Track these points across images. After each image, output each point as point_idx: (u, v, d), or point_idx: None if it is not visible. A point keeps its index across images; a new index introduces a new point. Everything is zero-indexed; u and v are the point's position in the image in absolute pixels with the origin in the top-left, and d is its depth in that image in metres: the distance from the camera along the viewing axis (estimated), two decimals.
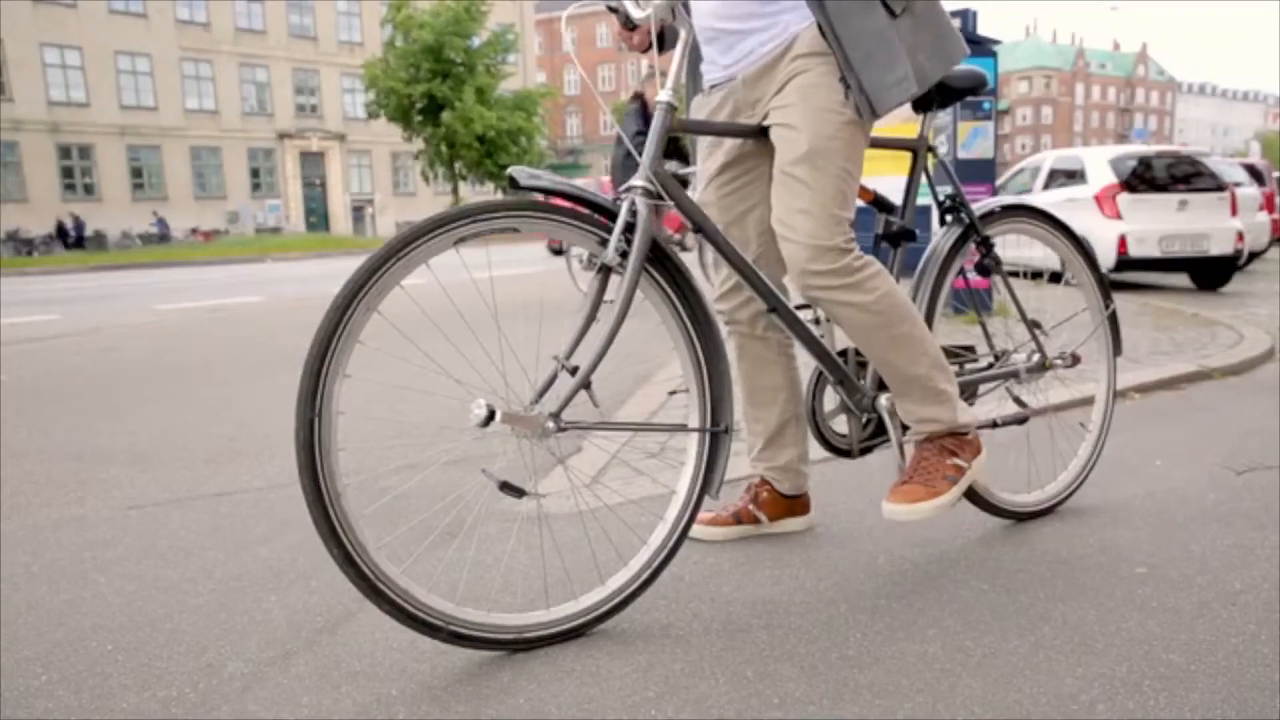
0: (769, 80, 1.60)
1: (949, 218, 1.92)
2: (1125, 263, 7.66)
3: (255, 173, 33.54)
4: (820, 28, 1.52)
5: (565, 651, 1.45)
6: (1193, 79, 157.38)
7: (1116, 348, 2.21)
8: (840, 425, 1.83)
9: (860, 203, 1.75)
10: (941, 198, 1.91)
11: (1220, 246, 7.70)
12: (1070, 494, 2.09)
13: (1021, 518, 2.00)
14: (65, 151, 29.27)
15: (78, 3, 28.94)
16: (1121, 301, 6.18)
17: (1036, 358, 2.02)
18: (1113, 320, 2.19)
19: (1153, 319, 5.17)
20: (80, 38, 29.03)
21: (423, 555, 1.76)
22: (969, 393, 1.92)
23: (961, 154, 5.37)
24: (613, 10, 1.60)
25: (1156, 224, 7.65)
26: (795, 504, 1.96)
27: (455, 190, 28.29)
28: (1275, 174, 10.94)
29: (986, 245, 1.92)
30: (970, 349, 1.99)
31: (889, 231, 1.81)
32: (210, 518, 2.17)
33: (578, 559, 1.78)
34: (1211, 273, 7.99)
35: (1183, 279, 8.31)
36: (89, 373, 4.47)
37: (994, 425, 1.94)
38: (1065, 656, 1.39)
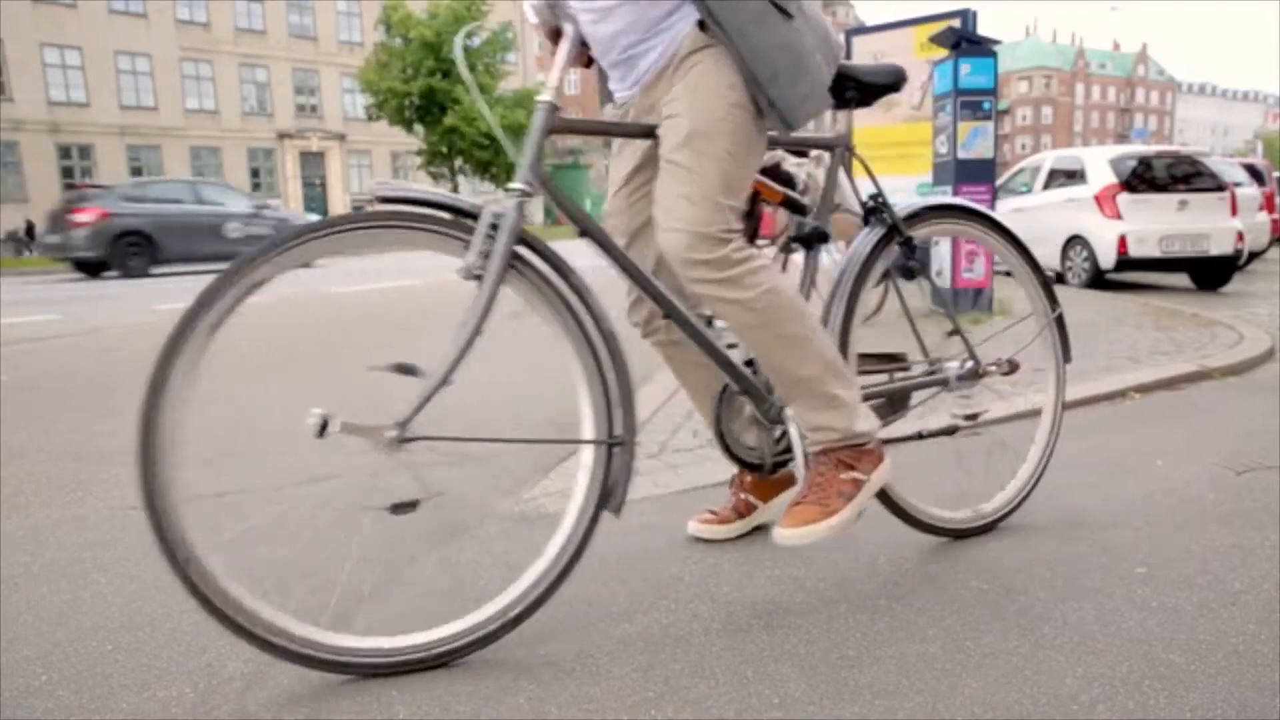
0: (664, 85, 1.55)
1: (872, 219, 1.82)
2: (1125, 263, 7.68)
3: (255, 173, 33.56)
4: (702, 24, 1.46)
5: (565, 651, 1.45)
6: (1193, 79, 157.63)
7: (1065, 354, 2.07)
8: (751, 438, 1.74)
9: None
10: (865, 198, 1.82)
11: (1220, 246, 7.71)
12: (1011, 511, 1.99)
13: (957, 535, 1.90)
14: (65, 151, 29.30)
15: (78, 3, 28.96)
16: (1121, 301, 6.22)
17: (969, 365, 1.91)
18: (1060, 324, 2.05)
19: (1153, 319, 5.17)
20: (80, 38, 29.05)
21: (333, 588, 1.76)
22: (899, 402, 1.84)
23: (961, 154, 5.38)
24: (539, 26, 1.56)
25: (1156, 224, 7.66)
26: (781, 481, 1.94)
27: (455, 190, 28.31)
28: (1275, 174, 10.93)
29: (910, 247, 1.82)
30: (901, 356, 1.90)
31: (801, 233, 1.73)
32: (210, 518, 2.17)
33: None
34: (1211, 273, 7.99)
35: (1183, 279, 8.31)
36: (89, 373, 4.47)
37: (919, 437, 1.87)
38: (1065, 656, 1.39)
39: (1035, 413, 2.15)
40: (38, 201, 27.60)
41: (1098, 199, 7.87)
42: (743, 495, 1.94)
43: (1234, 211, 7.88)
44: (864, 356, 1.83)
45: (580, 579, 1.70)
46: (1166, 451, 2.55)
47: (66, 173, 29.18)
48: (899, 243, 1.82)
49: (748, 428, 1.74)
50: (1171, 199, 7.81)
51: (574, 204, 1.54)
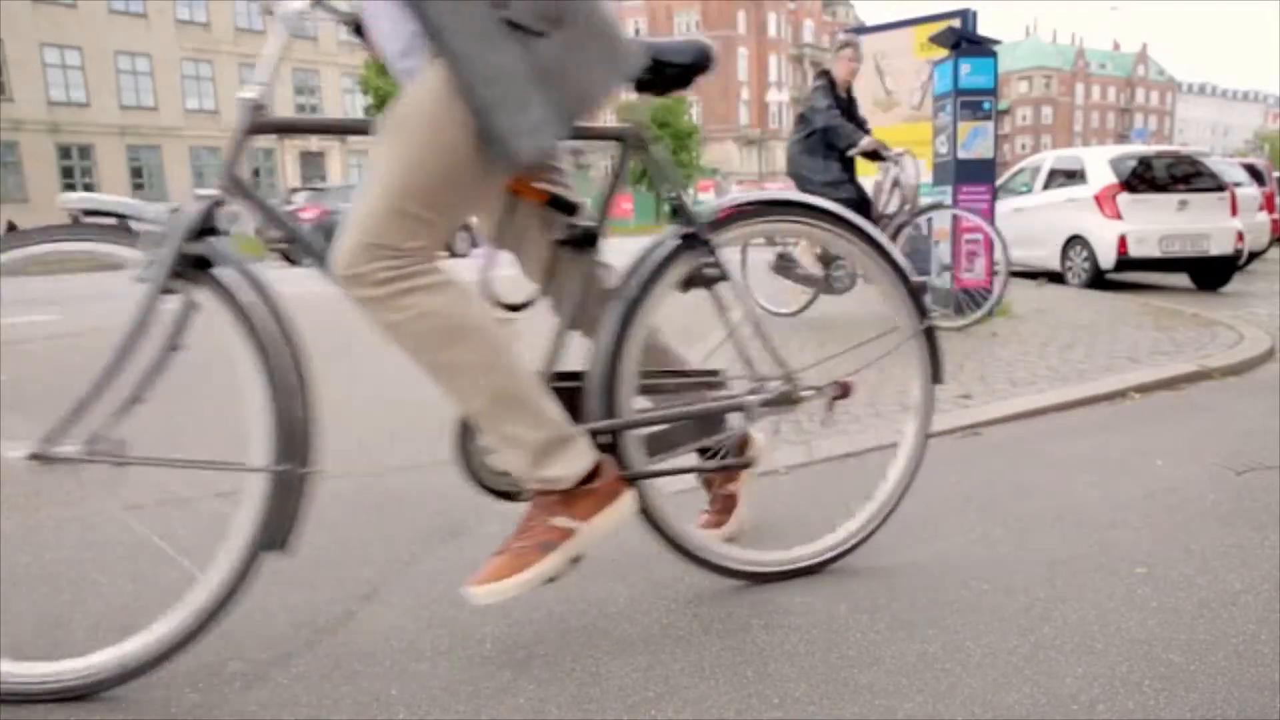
0: None
1: (675, 219, 1.59)
2: (1125, 263, 7.68)
3: (256, 173, 33.50)
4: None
5: (565, 652, 1.45)
6: (1193, 79, 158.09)
7: (936, 374, 1.76)
8: (500, 463, 1.51)
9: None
10: (664, 196, 1.60)
11: (1220, 246, 7.71)
12: (846, 552, 1.76)
13: (767, 579, 1.69)
14: (65, 151, 29.30)
15: (78, 3, 28.97)
16: (1121, 301, 6.22)
17: (782, 388, 1.63)
18: (929, 338, 1.74)
19: (1153, 319, 5.17)
20: (80, 38, 29.06)
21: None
22: (710, 425, 1.64)
23: (961, 154, 5.37)
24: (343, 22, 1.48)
25: (1156, 224, 7.66)
26: (739, 448, 1.77)
27: None
28: (1275, 174, 10.94)
29: (709, 252, 1.57)
30: (714, 373, 1.67)
31: (572, 235, 1.54)
32: (210, 518, 2.17)
33: None
34: (1211, 273, 7.99)
35: (1183, 279, 8.31)
36: (89, 372, 4.47)
37: (689, 471, 1.73)
38: (1065, 656, 1.39)
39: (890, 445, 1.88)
40: (37, 202, 27.66)
41: (1098, 199, 7.87)
42: (717, 490, 1.84)
43: (1234, 211, 7.88)
44: (666, 373, 1.65)
45: (580, 579, 1.70)
46: (1166, 451, 2.55)
47: (66, 173, 29.20)
48: (698, 247, 1.58)
49: (492, 453, 1.52)
50: (1171, 199, 7.81)
51: (274, 210, 1.43)
